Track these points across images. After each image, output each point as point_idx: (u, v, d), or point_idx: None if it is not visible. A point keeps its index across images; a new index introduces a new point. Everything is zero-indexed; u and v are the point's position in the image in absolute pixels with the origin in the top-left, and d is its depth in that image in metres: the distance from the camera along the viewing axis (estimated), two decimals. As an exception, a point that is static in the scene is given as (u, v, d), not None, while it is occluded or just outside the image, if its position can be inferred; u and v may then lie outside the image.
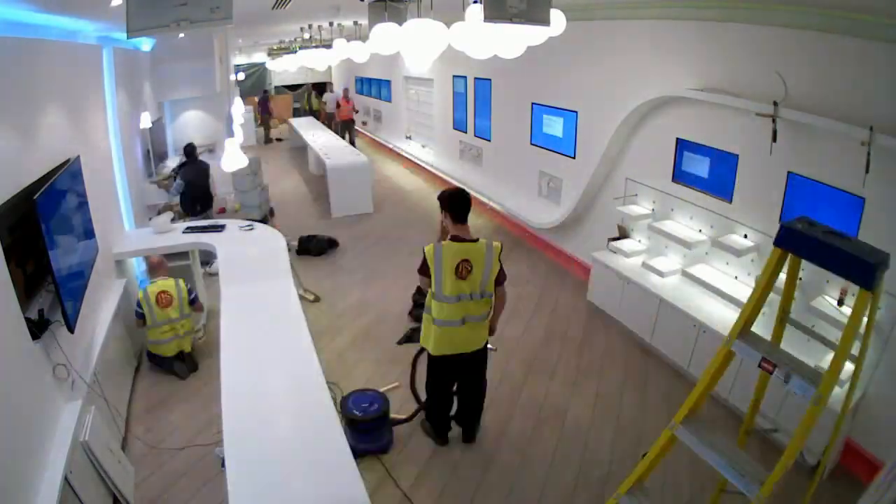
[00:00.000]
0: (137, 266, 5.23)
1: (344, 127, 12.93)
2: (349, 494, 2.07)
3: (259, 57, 15.36)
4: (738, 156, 3.93)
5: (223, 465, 2.23)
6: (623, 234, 5.11)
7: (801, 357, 2.04)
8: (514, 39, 2.47)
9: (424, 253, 3.06)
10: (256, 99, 15.56)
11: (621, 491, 2.38)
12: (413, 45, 2.50)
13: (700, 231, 4.35)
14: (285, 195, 9.67)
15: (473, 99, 8.04)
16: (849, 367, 3.19)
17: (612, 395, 4.02)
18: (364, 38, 5.14)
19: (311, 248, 6.77)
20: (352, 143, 11.98)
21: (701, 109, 4.15)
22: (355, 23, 6.35)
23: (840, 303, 3.21)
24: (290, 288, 3.69)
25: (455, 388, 3.45)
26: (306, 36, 7.39)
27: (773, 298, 2.16)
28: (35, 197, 2.56)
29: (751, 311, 2.05)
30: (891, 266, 1.81)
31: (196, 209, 6.29)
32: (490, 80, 7.45)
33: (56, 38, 3.54)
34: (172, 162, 7.66)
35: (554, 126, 6.13)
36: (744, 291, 3.82)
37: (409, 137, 11.28)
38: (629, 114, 4.69)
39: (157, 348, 4.23)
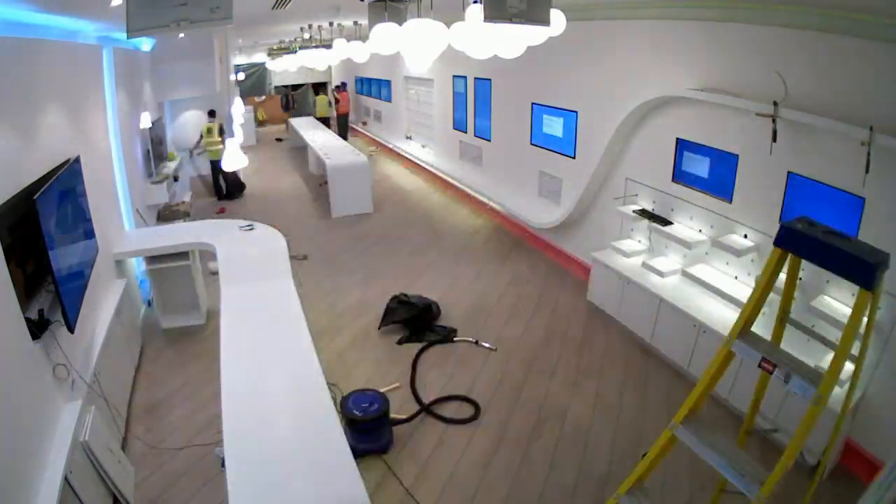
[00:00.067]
0: (137, 266, 5.23)
1: (343, 122, 12.95)
2: (349, 494, 2.07)
3: (259, 57, 15.35)
4: (738, 156, 3.93)
5: (223, 465, 2.23)
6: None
7: (801, 357, 2.04)
8: (514, 39, 2.47)
9: None
10: (256, 99, 15.63)
11: (621, 491, 2.38)
12: (413, 45, 2.50)
13: (700, 231, 4.35)
14: (285, 195, 9.67)
15: (473, 99, 8.04)
16: (849, 366, 3.21)
17: (612, 395, 4.02)
18: (364, 38, 5.14)
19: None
20: (344, 137, 12.03)
21: (701, 109, 4.15)
22: (355, 23, 6.35)
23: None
24: (290, 288, 3.69)
25: None
26: (306, 36, 7.39)
27: (773, 298, 2.16)
28: (35, 197, 2.56)
29: (751, 312, 2.05)
30: (891, 266, 1.81)
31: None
32: (490, 80, 7.45)
33: (56, 38, 3.55)
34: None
35: (554, 126, 6.13)
36: (744, 291, 3.82)
37: (410, 137, 11.28)
38: (629, 114, 4.69)
39: None
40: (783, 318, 2.26)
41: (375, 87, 13.19)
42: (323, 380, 2.72)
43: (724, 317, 3.92)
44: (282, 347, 3.03)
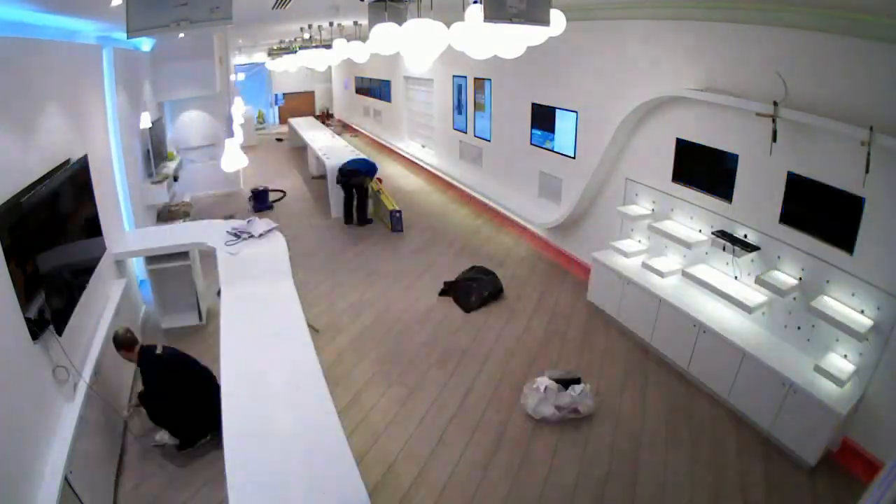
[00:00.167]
0: (137, 266, 5.23)
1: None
2: (349, 494, 2.07)
3: (259, 57, 15.35)
4: (738, 156, 3.93)
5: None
6: None
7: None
8: (513, 39, 2.47)
9: None
10: None
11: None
12: (413, 46, 2.50)
13: (700, 231, 4.35)
14: (285, 195, 9.67)
15: (473, 99, 8.04)
16: (849, 366, 3.21)
17: (612, 395, 4.02)
18: (364, 38, 5.13)
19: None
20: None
21: (701, 109, 4.15)
22: (355, 23, 6.35)
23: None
24: (290, 288, 3.69)
25: None
26: (306, 36, 7.39)
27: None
28: (35, 197, 2.56)
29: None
30: (890, 266, 1.81)
31: None
32: (490, 80, 7.45)
33: (56, 38, 3.54)
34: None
35: (561, 126, 6.12)
36: (744, 291, 3.82)
37: (409, 138, 11.28)
38: (629, 114, 4.69)
39: None
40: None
41: (375, 87, 13.19)
42: (323, 380, 2.73)
43: (724, 317, 3.91)
44: (282, 347, 3.03)
